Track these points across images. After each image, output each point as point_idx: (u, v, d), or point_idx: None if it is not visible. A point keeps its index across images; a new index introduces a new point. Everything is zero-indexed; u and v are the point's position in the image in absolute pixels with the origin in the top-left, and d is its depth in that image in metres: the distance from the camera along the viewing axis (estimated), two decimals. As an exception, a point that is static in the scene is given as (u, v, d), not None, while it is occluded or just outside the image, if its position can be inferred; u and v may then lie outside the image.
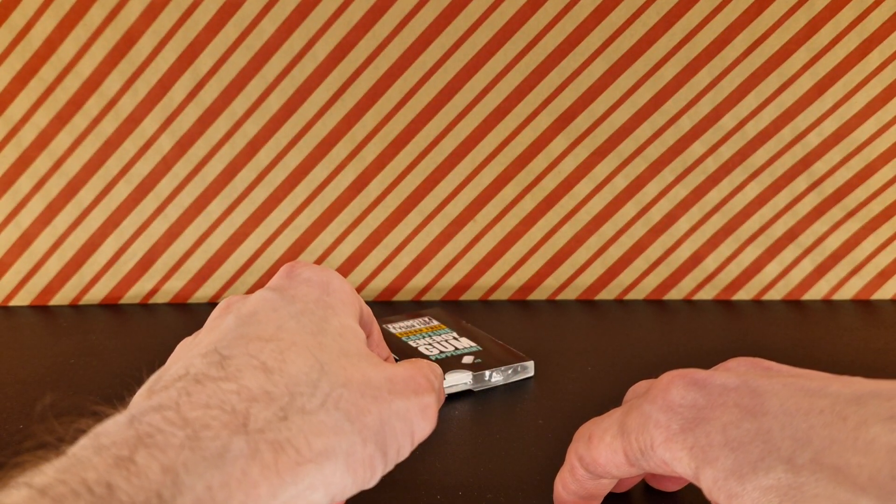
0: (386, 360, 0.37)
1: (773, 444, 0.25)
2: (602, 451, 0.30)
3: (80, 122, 0.63)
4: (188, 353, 0.27)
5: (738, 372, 0.28)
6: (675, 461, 0.27)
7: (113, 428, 0.21)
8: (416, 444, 0.28)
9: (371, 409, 0.26)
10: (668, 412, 0.27)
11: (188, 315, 0.65)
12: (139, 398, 0.24)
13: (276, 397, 0.24)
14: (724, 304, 0.68)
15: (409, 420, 0.27)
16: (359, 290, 0.69)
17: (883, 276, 0.69)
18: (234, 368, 0.25)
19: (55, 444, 0.21)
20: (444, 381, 0.48)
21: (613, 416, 0.31)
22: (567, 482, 0.33)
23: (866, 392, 0.25)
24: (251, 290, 0.68)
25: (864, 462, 0.23)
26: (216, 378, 0.24)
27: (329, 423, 0.24)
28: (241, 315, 0.28)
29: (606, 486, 0.33)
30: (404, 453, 0.27)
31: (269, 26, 0.62)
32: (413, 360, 0.31)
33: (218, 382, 0.24)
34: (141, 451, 0.20)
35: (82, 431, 0.22)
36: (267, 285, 0.31)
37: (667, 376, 0.29)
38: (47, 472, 0.19)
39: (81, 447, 0.21)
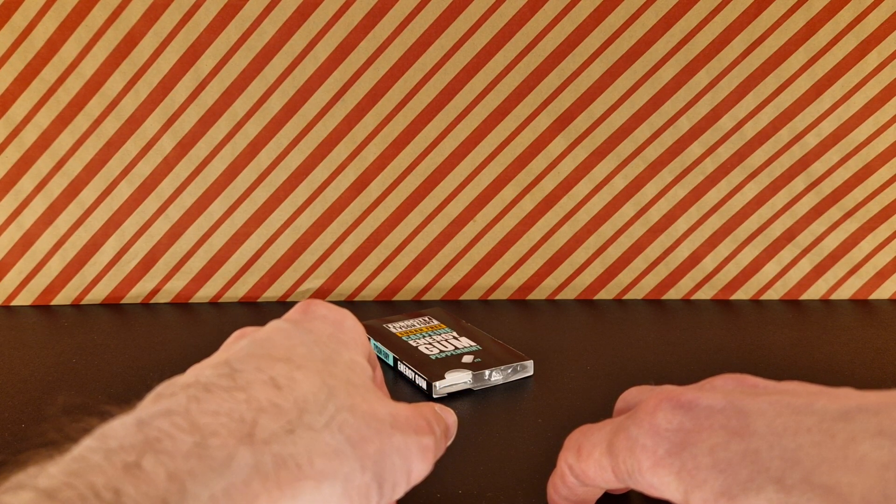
0: None
1: (761, 465, 0.25)
2: (591, 466, 0.30)
3: (81, 122, 0.64)
4: (199, 366, 0.27)
5: (724, 391, 0.28)
6: (662, 486, 0.27)
7: (121, 430, 0.21)
8: (411, 484, 0.28)
9: (373, 439, 0.26)
10: (654, 436, 0.27)
11: (189, 315, 0.65)
12: (147, 402, 0.24)
13: (285, 411, 0.24)
14: (722, 304, 0.69)
15: (408, 458, 0.27)
16: (359, 290, 0.69)
17: (881, 276, 0.69)
18: (244, 381, 0.25)
19: (59, 442, 0.21)
20: (444, 381, 0.48)
21: (603, 430, 0.31)
22: (558, 487, 0.33)
23: (853, 407, 0.25)
24: (252, 291, 0.69)
25: (856, 481, 0.22)
26: (225, 387, 0.24)
27: (332, 444, 0.25)
28: (254, 339, 0.29)
29: (597, 492, 0.33)
30: (399, 491, 0.27)
31: (270, 27, 0.63)
32: (419, 403, 0.31)
33: (228, 391, 0.24)
34: (149, 456, 0.20)
35: (87, 431, 0.22)
36: (282, 318, 0.32)
37: (654, 398, 0.29)
38: (53, 474, 0.19)
39: (88, 449, 0.20)
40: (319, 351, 0.29)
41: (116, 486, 0.19)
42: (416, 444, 0.28)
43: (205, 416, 0.22)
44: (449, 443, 0.33)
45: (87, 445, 0.21)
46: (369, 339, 0.54)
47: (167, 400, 0.23)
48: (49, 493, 0.18)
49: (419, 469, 0.28)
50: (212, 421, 0.22)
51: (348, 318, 0.33)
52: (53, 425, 0.23)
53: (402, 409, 0.29)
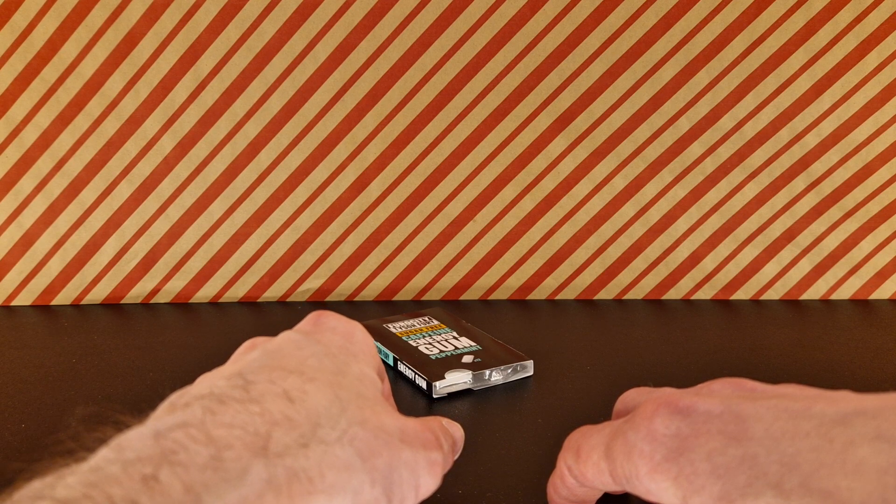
0: None
1: (759, 470, 0.24)
2: (589, 469, 0.30)
3: (81, 122, 0.64)
4: (211, 376, 0.27)
5: (721, 396, 0.28)
6: (660, 491, 0.27)
7: (138, 442, 0.21)
8: (419, 498, 0.28)
9: (382, 452, 0.26)
10: (651, 442, 0.27)
11: (189, 315, 0.65)
12: (161, 412, 0.24)
13: (298, 424, 0.24)
14: (722, 304, 0.69)
15: (416, 472, 0.27)
16: (359, 290, 0.69)
17: (881, 276, 0.69)
18: (258, 393, 0.25)
19: (74, 451, 0.21)
20: (444, 381, 0.48)
21: (602, 433, 0.31)
22: (558, 487, 0.33)
23: (851, 411, 0.24)
24: (252, 291, 0.69)
25: (855, 486, 0.22)
26: (240, 399, 0.24)
27: (343, 457, 0.25)
28: (266, 350, 0.29)
29: (597, 493, 0.33)
30: None
31: (270, 28, 0.63)
32: (427, 417, 0.31)
33: (242, 404, 0.24)
34: (165, 468, 0.20)
35: (102, 440, 0.22)
36: (294, 328, 0.32)
37: (651, 403, 0.29)
38: (71, 485, 0.19)
39: (105, 460, 0.21)
40: (330, 363, 0.29)
41: (134, 498, 0.19)
42: (425, 458, 0.28)
43: (220, 429, 0.23)
44: (456, 457, 0.33)
45: (105, 456, 0.21)
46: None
47: (182, 411, 0.23)
48: (67, 503, 0.18)
49: (427, 483, 0.28)
50: (226, 433, 0.23)
51: (358, 331, 0.33)
52: (70, 434, 0.23)
53: (411, 423, 0.29)
